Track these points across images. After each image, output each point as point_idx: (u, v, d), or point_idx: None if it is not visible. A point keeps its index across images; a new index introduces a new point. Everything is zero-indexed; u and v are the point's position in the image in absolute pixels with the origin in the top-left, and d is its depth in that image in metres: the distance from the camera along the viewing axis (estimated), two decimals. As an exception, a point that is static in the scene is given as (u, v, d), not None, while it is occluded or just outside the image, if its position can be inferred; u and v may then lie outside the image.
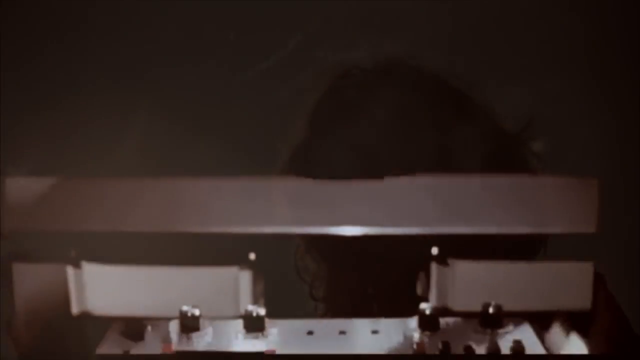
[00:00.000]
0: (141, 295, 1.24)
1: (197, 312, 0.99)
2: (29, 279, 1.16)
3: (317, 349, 0.95)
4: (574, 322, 1.23)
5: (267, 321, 1.00)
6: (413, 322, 1.00)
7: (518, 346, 0.95)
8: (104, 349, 0.96)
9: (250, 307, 1.00)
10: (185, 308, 0.99)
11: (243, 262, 1.24)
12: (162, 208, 1.34)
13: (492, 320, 0.99)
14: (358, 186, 1.38)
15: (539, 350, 0.95)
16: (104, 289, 1.27)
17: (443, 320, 1.00)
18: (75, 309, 1.31)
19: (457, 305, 1.13)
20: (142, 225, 1.29)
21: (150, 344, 0.97)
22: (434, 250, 1.24)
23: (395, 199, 1.38)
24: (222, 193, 1.35)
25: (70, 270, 1.26)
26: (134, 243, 1.27)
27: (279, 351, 0.94)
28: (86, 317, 1.05)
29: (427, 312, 0.99)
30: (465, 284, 1.25)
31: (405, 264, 1.27)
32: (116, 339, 0.98)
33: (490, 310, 0.99)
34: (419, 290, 1.26)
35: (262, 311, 0.99)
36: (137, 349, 0.96)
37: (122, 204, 1.30)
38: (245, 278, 1.23)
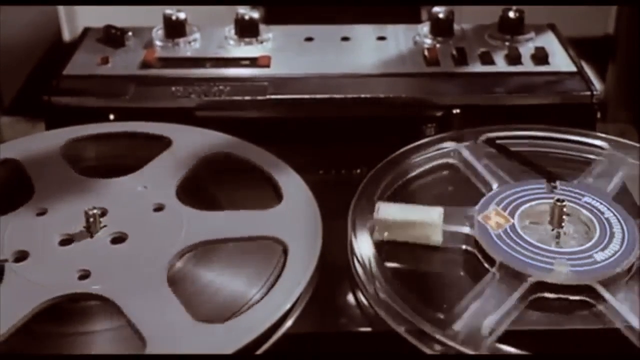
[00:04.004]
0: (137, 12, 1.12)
1: (182, 16, 0.88)
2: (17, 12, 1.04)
3: (317, 56, 0.85)
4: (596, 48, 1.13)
5: (261, 26, 0.89)
6: (425, 27, 0.90)
7: (540, 52, 0.85)
8: (79, 56, 0.86)
9: (243, 10, 0.89)
10: (169, 11, 0.88)
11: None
12: None
13: (512, 26, 0.88)
14: None
15: (563, 56, 0.85)
16: (97, 11, 1.15)
17: (457, 26, 0.90)
18: (66, 36, 1.20)
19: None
20: None
21: (132, 51, 0.87)
22: None
23: None
24: None
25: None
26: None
27: (274, 59, 0.85)
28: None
29: (441, 15, 0.88)
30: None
31: None
32: (93, 46, 0.88)
33: (511, 14, 0.89)
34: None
35: (255, 14, 0.88)
36: (116, 56, 0.86)
37: None
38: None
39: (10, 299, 0.57)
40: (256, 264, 0.62)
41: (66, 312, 0.58)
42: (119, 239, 0.63)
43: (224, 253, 0.63)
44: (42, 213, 0.65)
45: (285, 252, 0.61)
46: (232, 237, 0.63)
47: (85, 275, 0.59)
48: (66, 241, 0.62)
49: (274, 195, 0.67)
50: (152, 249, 0.61)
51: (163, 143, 0.73)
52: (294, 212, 0.65)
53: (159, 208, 0.65)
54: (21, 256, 0.61)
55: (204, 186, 0.70)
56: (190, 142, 0.73)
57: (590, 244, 0.61)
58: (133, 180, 0.69)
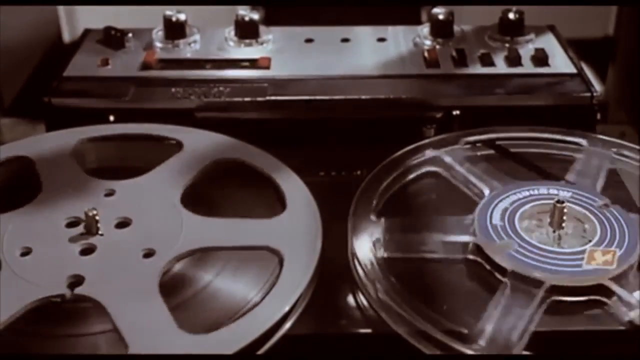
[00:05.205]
0: (137, 13, 1.11)
1: (182, 17, 0.88)
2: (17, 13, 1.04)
3: (317, 57, 0.86)
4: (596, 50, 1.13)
5: (261, 28, 0.89)
6: (424, 29, 0.90)
7: (540, 54, 0.85)
8: (79, 58, 0.86)
9: (242, 12, 0.89)
10: (169, 12, 0.88)
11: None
12: None
13: (512, 27, 0.88)
14: None
15: (563, 58, 0.85)
16: (97, 12, 1.15)
17: (457, 27, 0.90)
18: (66, 37, 1.20)
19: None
20: None
21: (132, 52, 0.87)
22: None
23: None
24: None
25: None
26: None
27: (274, 60, 0.85)
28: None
29: (441, 17, 0.88)
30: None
31: None
32: (93, 47, 0.88)
33: (511, 16, 0.89)
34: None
35: (255, 15, 0.88)
36: (116, 57, 0.86)
37: None
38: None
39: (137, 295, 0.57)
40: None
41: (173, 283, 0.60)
42: (123, 223, 0.64)
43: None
44: (26, 253, 0.61)
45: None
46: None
47: (150, 253, 0.60)
48: (87, 250, 0.61)
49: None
50: (163, 217, 0.64)
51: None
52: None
53: (109, 193, 0.67)
54: (76, 281, 0.59)
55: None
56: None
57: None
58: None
